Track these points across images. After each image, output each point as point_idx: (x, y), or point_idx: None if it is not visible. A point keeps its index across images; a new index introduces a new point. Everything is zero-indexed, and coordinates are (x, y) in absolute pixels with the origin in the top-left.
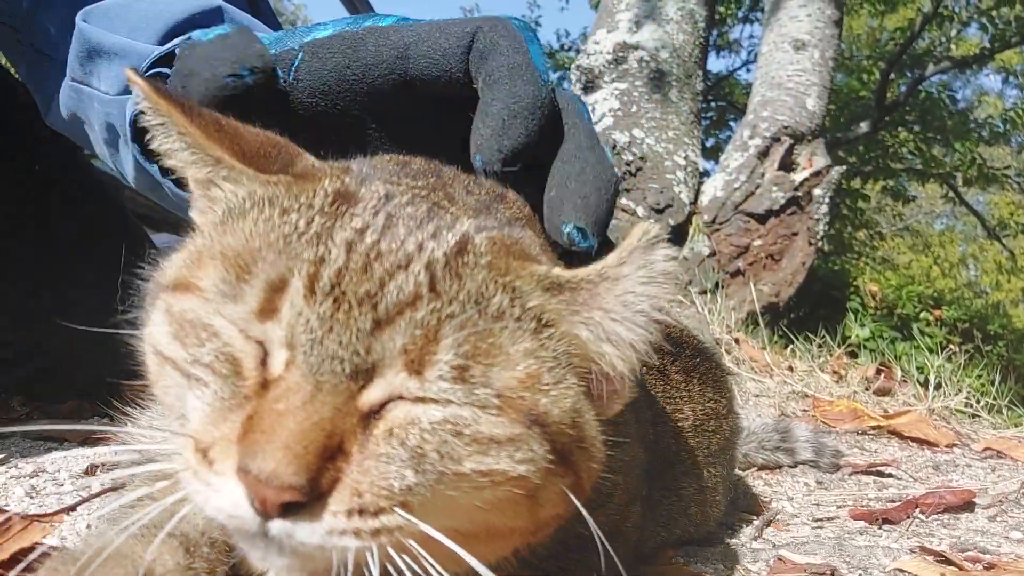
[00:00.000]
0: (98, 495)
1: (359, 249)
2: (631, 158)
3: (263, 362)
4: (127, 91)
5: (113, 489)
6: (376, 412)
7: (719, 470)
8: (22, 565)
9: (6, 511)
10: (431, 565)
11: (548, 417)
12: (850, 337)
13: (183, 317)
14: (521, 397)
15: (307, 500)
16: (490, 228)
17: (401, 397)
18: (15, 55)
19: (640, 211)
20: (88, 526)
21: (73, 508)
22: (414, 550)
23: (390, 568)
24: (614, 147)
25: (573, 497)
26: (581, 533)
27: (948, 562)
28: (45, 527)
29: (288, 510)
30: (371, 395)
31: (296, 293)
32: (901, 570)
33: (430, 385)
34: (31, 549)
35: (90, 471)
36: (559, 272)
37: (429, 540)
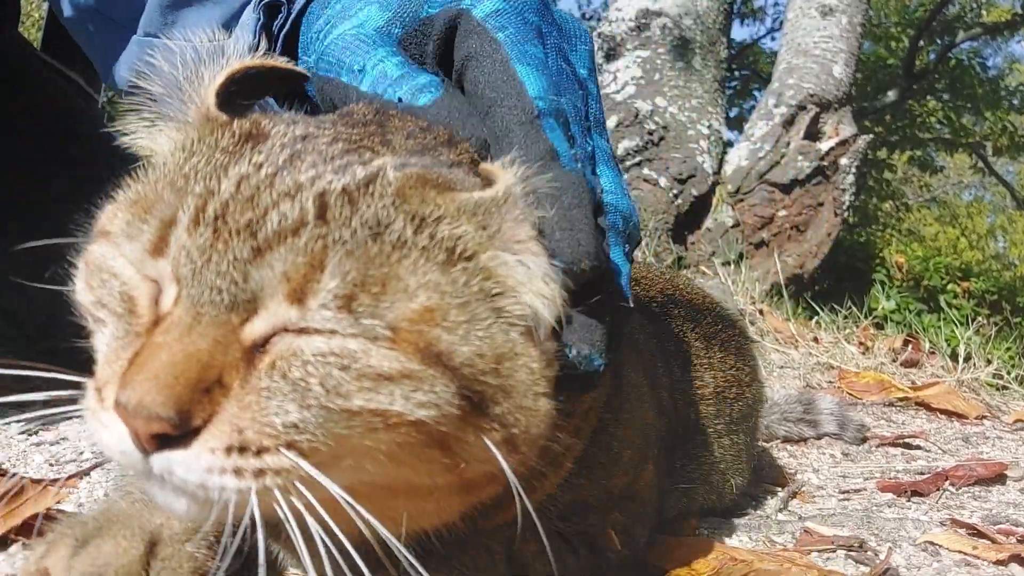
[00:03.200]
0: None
1: (251, 182)
2: (653, 127)
3: (157, 301)
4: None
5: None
6: (261, 347)
7: (741, 438)
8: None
9: (21, 476)
10: (329, 521)
11: (454, 357)
12: (876, 309)
13: (94, 263)
14: (419, 331)
15: (177, 432)
16: (414, 165)
17: (286, 330)
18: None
19: (663, 181)
20: (105, 493)
21: (87, 473)
22: (307, 498)
23: (293, 528)
24: (636, 116)
25: (498, 455)
26: (602, 496)
27: (980, 535)
28: (59, 492)
29: (164, 444)
30: (254, 328)
31: (181, 226)
32: (931, 542)
33: (312, 314)
34: (46, 515)
35: None
36: (479, 195)
37: (327, 493)
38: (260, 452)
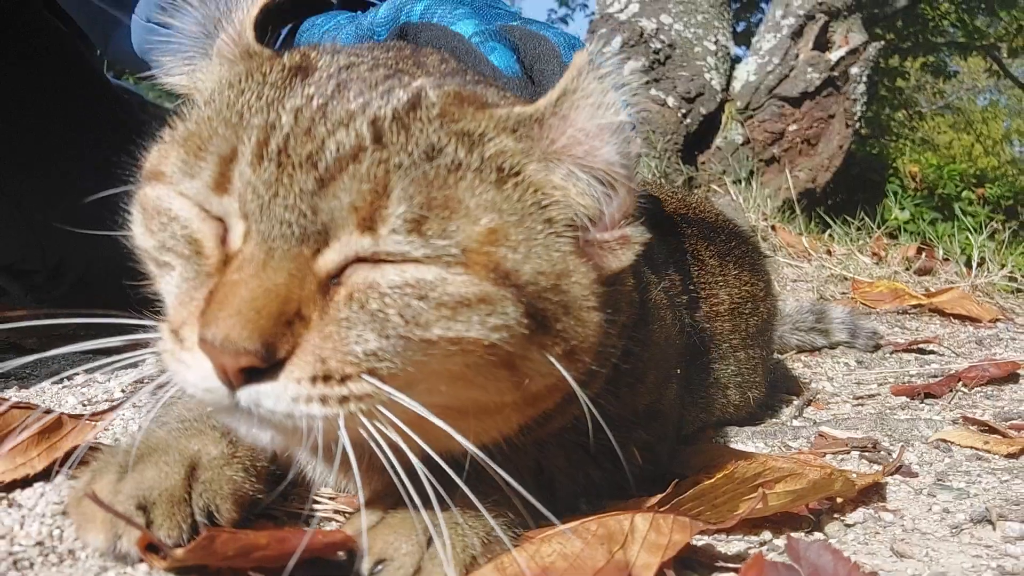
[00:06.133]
0: (142, 391)
1: (305, 114)
2: (659, 46)
3: (223, 240)
4: None
5: (141, 382)
6: (336, 278)
7: (757, 352)
8: (75, 457)
9: (52, 411)
10: (415, 440)
11: (520, 276)
12: (889, 220)
13: (150, 205)
14: (487, 253)
15: (265, 365)
16: (450, 84)
17: (359, 259)
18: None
19: (671, 101)
20: (139, 427)
21: (119, 406)
22: (392, 420)
23: (377, 449)
24: (640, 35)
25: (562, 369)
26: (627, 414)
27: (992, 430)
28: (96, 426)
29: (251, 377)
30: (327, 259)
31: (244, 162)
32: (944, 440)
33: (384, 240)
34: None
35: (141, 381)
36: (518, 110)
37: (410, 415)
38: (343, 380)
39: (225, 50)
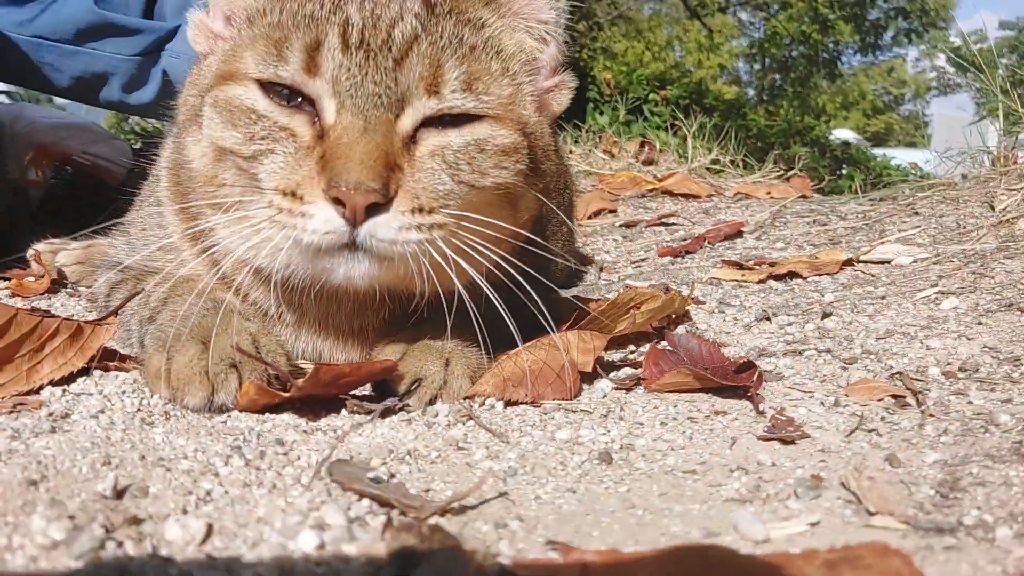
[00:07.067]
0: (131, 298)
1: (367, 13)
2: None
3: (312, 123)
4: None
5: (136, 294)
6: (413, 138)
7: (566, 227)
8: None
9: (72, 319)
10: (471, 252)
11: (528, 126)
12: (590, 124)
13: (231, 104)
14: (511, 109)
15: (384, 200)
16: None
17: (427, 121)
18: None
19: None
20: (140, 322)
21: (116, 312)
22: (455, 244)
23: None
24: None
25: (544, 199)
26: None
27: (743, 267)
28: (108, 329)
29: (370, 212)
30: (405, 121)
31: (333, 49)
32: (715, 278)
33: (447, 99)
34: (110, 351)
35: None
36: None
37: (459, 245)
38: (431, 211)
39: None
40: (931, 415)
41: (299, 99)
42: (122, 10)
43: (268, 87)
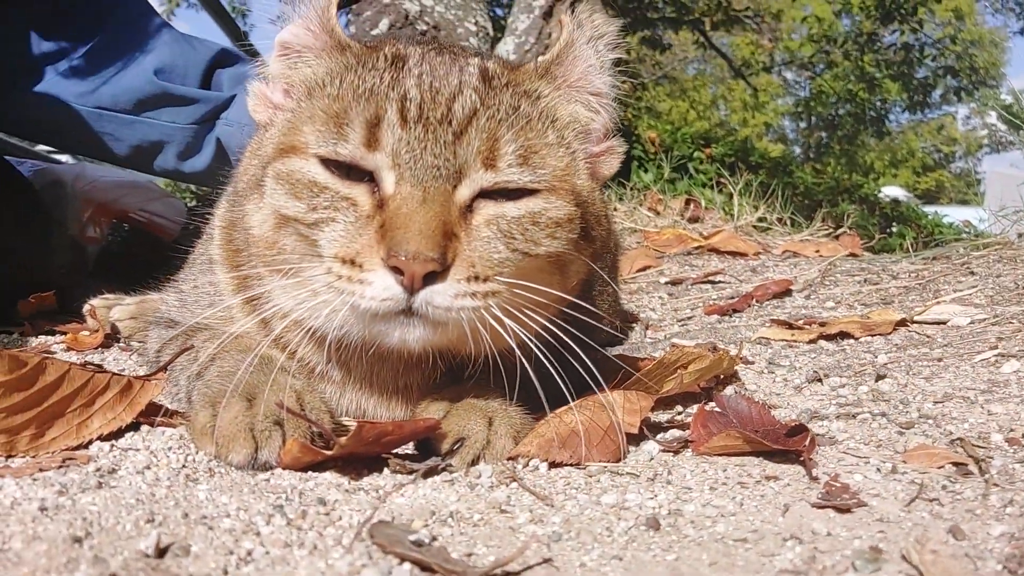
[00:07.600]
0: (180, 354)
1: (426, 86)
2: (425, 27)
3: (372, 192)
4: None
5: (185, 350)
6: (470, 207)
7: (613, 287)
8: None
9: (122, 375)
10: (521, 316)
11: (582, 196)
12: (636, 182)
13: (293, 177)
14: (566, 179)
15: (442, 268)
16: (487, 58)
17: (484, 192)
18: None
19: None
20: (188, 378)
21: (165, 367)
22: (508, 310)
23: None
24: (406, 17)
25: (593, 264)
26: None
27: (792, 327)
28: (157, 384)
29: (427, 280)
30: (463, 192)
31: (393, 124)
32: (763, 337)
33: (503, 172)
34: (150, 404)
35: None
36: (541, 59)
37: (512, 305)
38: (485, 279)
39: (312, 44)
40: (995, 484)
41: (359, 173)
42: (179, 80)
43: (328, 161)
